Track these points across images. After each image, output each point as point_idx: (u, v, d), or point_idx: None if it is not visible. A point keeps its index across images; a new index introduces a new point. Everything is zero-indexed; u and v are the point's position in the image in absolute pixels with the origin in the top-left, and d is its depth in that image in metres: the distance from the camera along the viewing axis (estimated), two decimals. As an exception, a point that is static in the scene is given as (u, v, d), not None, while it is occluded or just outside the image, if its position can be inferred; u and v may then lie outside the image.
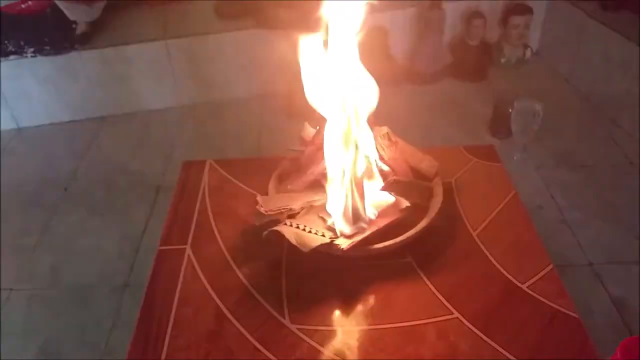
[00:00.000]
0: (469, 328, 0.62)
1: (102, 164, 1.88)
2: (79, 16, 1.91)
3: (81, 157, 1.90)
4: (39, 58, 1.91)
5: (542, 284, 0.67)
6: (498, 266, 0.69)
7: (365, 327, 0.64)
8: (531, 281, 0.67)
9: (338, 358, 0.60)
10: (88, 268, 1.47)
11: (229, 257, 0.73)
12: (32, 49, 1.88)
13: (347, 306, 0.66)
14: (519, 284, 0.67)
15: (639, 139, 1.76)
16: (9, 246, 1.55)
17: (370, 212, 0.68)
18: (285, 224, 0.68)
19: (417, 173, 0.76)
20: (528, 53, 2.23)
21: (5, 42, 1.85)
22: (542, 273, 0.68)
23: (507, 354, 0.59)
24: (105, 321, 1.32)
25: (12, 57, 1.89)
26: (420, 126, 1.87)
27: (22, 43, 1.86)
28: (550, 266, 0.69)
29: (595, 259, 1.38)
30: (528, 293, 0.66)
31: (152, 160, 1.86)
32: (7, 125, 2.05)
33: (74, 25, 1.92)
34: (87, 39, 1.96)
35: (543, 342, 0.60)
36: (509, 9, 2.15)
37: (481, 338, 0.61)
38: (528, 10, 2.15)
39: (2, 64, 1.90)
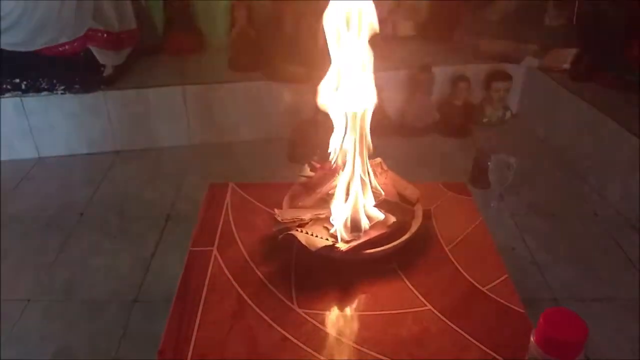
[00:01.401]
0: (439, 317, 0.78)
1: (115, 193, 2.02)
2: (107, 60, 2.12)
3: (96, 186, 2.05)
4: (68, 95, 2.09)
5: (498, 287, 0.84)
6: (464, 273, 0.86)
7: (357, 313, 0.80)
8: (490, 285, 0.84)
9: (335, 334, 0.76)
10: (100, 285, 1.59)
11: (248, 258, 0.89)
12: (62, 87, 2.07)
13: (344, 297, 0.82)
14: (480, 287, 0.84)
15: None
16: (28, 262, 1.67)
17: (365, 224, 0.86)
18: (297, 230, 0.85)
19: (402, 198, 0.94)
20: (508, 114, 2.45)
21: (40, 79, 2.05)
22: (499, 280, 0.85)
23: (468, 337, 0.75)
24: (115, 332, 1.42)
25: (44, 93, 2.08)
26: (408, 173, 2.02)
27: (54, 81, 2.05)
28: (506, 275, 0.86)
29: (559, 295, 1.54)
30: (487, 294, 0.82)
31: (162, 192, 2.01)
32: (30, 154, 2.21)
33: (102, 68, 2.12)
34: (112, 81, 2.16)
35: (496, 328, 0.77)
36: (491, 75, 2.38)
37: (448, 324, 0.77)
38: (508, 77, 2.38)
39: (34, 98, 2.09)
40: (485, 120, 2.42)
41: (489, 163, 1.83)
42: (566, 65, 2.26)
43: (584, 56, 2.19)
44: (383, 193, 0.87)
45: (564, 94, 2.18)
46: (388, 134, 2.32)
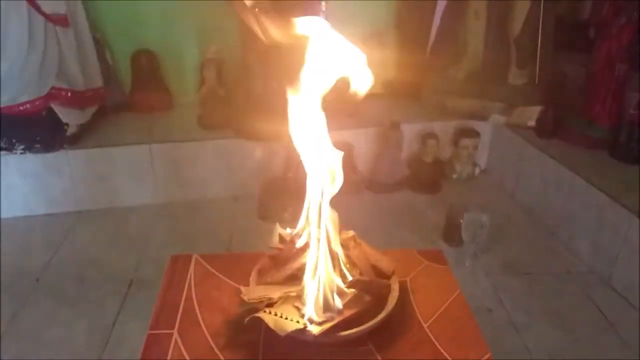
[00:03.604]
0: (419, 406, 0.73)
1: (75, 257, 1.92)
2: (71, 119, 2.05)
3: (55, 249, 1.95)
4: (28, 155, 2.01)
5: (481, 369, 0.79)
6: (445, 354, 0.81)
7: (331, 404, 0.74)
8: (472, 367, 0.80)
9: None
10: (55, 359, 1.48)
11: (211, 342, 0.82)
12: (22, 146, 1.98)
13: (316, 385, 0.76)
14: (462, 369, 0.79)
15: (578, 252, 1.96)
16: (-25, 336, 1.55)
17: (338, 303, 0.81)
18: (265, 312, 0.79)
19: (376, 271, 0.90)
20: (477, 170, 2.47)
21: (-3, 139, 1.97)
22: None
23: None
24: (69, 415, 1.33)
25: (2, 152, 1.99)
26: (380, 231, 2.02)
27: (13, 140, 1.97)
28: (488, 354, 0.81)
29: (539, 358, 1.50)
30: (469, 376, 0.78)
31: (125, 254, 1.92)
32: (-16, 216, 2.10)
33: (65, 127, 2.05)
34: (76, 140, 2.10)
35: (481, 418, 0.72)
36: (459, 132, 2.41)
37: (429, 414, 0.72)
38: (476, 134, 2.42)
39: (-10, 158, 2.01)
40: (455, 176, 2.44)
41: (461, 221, 1.81)
42: (531, 123, 2.31)
43: (548, 113, 2.24)
44: (357, 268, 0.82)
45: (530, 151, 2.22)
46: (359, 190, 2.31)
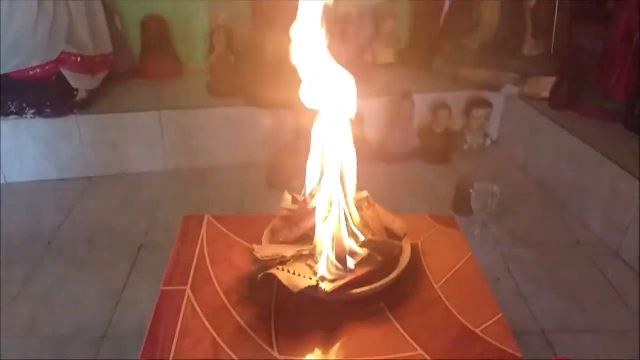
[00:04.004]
0: (431, 362, 0.73)
1: (86, 221, 1.94)
2: (81, 84, 2.05)
3: (66, 214, 1.96)
4: (38, 119, 2.01)
5: (492, 329, 0.79)
6: (456, 313, 0.82)
7: (343, 358, 0.75)
8: (483, 326, 0.79)
9: (319, 384, 0.70)
10: (67, 319, 1.50)
11: (224, 299, 0.83)
12: (33, 111, 1.98)
13: (328, 342, 0.77)
14: (473, 329, 0.79)
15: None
16: (-12, 296, 1.58)
17: (350, 263, 0.81)
18: (278, 269, 0.79)
19: (389, 232, 0.90)
20: (488, 141, 2.45)
21: (9, 103, 1.96)
22: (492, 320, 0.81)
23: (462, 385, 0.70)
24: (82, 371, 1.35)
25: (12, 117, 2.00)
26: (391, 200, 1.99)
27: (24, 105, 1.97)
28: (499, 315, 0.82)
29: (546, 327, 1.50)
30: (480, 336, 0.78)
31: (135, 220, 1.93)
32: (-5, 180, 2.12)
33: (75, 92, 2.04)
34: (86, 105, 2.09)
35: (492, 375, 0.72)
36: (471, 102, 2.38)
37: (440, 371, 0.72)
38: (488, 105, 2.39)
39: (1, 122, 2.01)
40: (465, 147, 2.41)
41: (471, 191, 1.80)
42: (545, 94, 2.27)
43: (563, 85, 2.20)
44: (369, 229, 0.82)
45: (543, 122, 2.19)
46: (369, 159, 2.29)
